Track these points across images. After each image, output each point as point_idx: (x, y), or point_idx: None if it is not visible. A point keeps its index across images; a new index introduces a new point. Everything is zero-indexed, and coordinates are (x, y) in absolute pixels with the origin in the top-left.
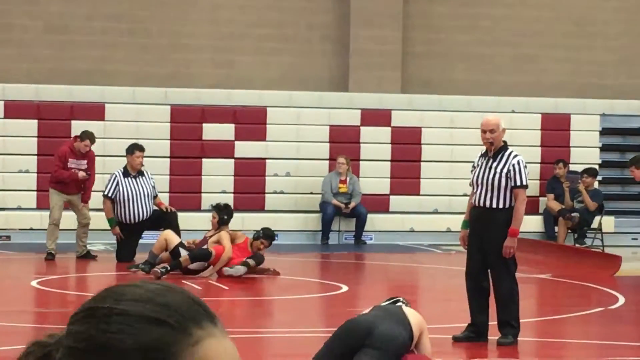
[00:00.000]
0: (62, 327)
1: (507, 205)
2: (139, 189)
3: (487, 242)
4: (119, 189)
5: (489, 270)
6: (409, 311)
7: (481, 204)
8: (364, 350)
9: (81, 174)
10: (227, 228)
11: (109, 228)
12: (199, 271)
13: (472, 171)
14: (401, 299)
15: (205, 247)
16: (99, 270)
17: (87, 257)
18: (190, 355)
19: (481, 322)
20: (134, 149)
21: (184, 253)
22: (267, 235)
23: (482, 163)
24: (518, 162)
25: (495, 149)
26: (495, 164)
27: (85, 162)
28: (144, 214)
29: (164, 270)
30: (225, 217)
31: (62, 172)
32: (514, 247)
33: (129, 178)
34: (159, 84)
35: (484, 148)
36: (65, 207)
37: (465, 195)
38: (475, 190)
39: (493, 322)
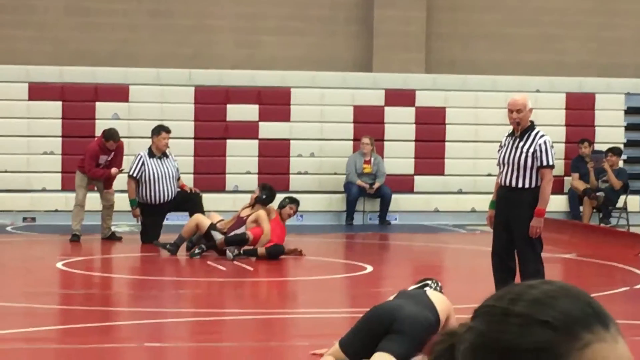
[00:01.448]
0: (87, 308)
1: (533, 185)
2: (164, 170)
3: (513, 221)
4: (144, 169)
5: (515, 250)
6: (434, 295)
7: (507, 183)
8: (389, 336)
9: (114, 170)
10: (263, 208)
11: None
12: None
13: (499, 151)
14: (430, 282)
15: (242, 229)
16: (123, 252)
17: (112, 238)
18: (577, 358)
19: None
20: (160, 130)
21: (217, 235)
22: (292, 199)
23: (508, 143)
24: (545, 142)
25: (522, 129)
26: (521, 144)
27: (112, 153)
28: (169, 195)
29: (199, 251)
30: (264, 197)
31: (96, 171)
32: (540, 227)
33: (154, 159)
34: (182, 65)
35: (510, 128)
36: (90, 188)
37: (489, 175)
38: (501, 169)
39: None
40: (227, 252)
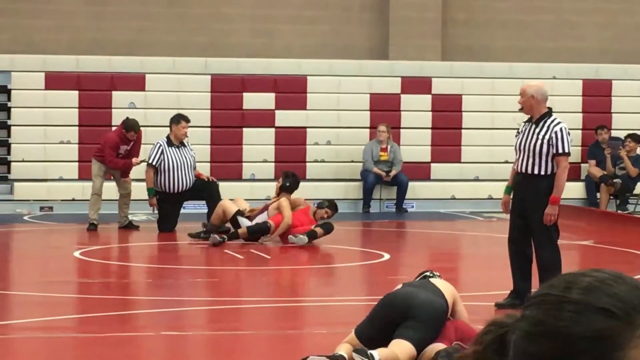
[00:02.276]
0: (104, 297)
1: (548, 172)
2: (182, 159)
3: (528, 208)
4: (163, 158)
5: (531, 237)
6: (438, 282)
7: (523, 170)
8: (405, 323)
9: (135, 160)
10: (288, 195)
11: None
12: (259, 237)
13: (516, 136)
14: (428, 273)
15: (264, 216)
16: (140, 241)
17: (129, 227)
18: (635, 346)
19: (524, 289)
20: (180, 118)
21: (243, 221)
22: (332, 204)
23: (525, 129)
24: (561, 130)
25: (531, 115)
26: (537, 130)
27: (132, 143)
28: (186, 184)
29: (221, 240)
30: (288, 184)
31: (117, 162)
32: (555, 214)
33: (173, 147)
34: (198, 54)
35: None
36: (107, 177)
37: (506, 162)
38: (517, 156)
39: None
40: (299, 238)
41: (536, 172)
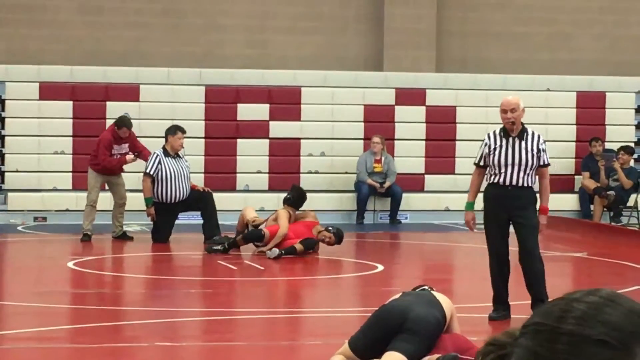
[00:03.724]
0: (98, 308)
1: (534, 183)
2: (178, 169)
3: (520, 219)
4: (160, 168)
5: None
6: (438, 294)
7: (512, 182)
8: (400, 336)
9: (129, 157)
10: (291, 209)
11: (145, 208)
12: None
13: (489, 152)
14: (426, 287)
15: (262, 227)
16: (135, 251)
17: (123, 237)
18: None
19: (506, 300)
20: (176, 130)
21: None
22: (338, 234)
23: (504, 143)
24: (544, 142)
25: (517, 129)
26: (524, 144)
27: (127, 145)
28: (182, 194)
29: (221, 249)
30: (289, 197)
31: (111, 160)
32: (546, 224)
33: (169, 158)
34: (193, 65)
35: (497, 128)
36: (101, 187)
37: None
38: (500, 170)
39: (519, 302)
40: (268, 252)
41: (527, 184)
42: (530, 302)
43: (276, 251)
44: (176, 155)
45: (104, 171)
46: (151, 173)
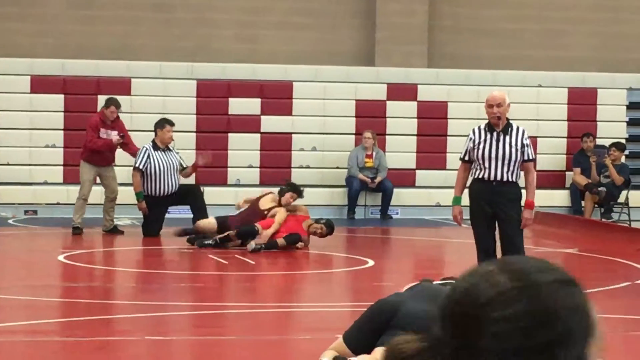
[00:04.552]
0: (88, 301)
1: (518, 178)
2: (168, 163)
3: (504, 214)
4: (149, 162)
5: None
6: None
7: (496, 177)
8: (389, 331)
9: (115, 138)
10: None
11: (136, 202)
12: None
13: (473, 147)
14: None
15: (256, 225)
16: (125, 245)
17: (114, 231)
18: None
19: None
20: (164, 123)
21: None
22: (329, 224)
23: (488, 138)
24: (528, 137)
25: (502, 124)
26: (508, 139)
27: (116, 132)
28: (172, 188)
29: (212, 242)
30: (281, 188)
31: (97, 141)
32: (532, 219)
33: (159, 151)
34: (184, 59)
35: (482, 123)
36: (94, 182)
37: None
38: (484, 164)
39: None
40: (249, 245)
41: (511, 179)
42: None
43: (252, 245)
44: (166, 149)
45: (94, 160)
46: (140, 167)
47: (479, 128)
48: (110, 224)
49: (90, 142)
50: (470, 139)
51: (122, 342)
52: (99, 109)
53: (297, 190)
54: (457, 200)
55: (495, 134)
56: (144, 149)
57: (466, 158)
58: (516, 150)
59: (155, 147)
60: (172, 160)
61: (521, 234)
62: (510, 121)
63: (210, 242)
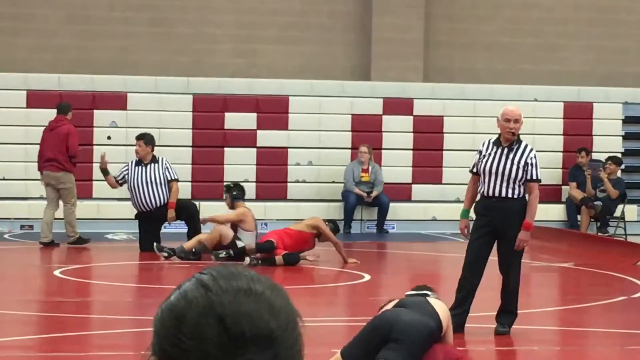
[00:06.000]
0: (84, 316)
1: (520, 195)
2: (147, 177)
3: (502, 232)
4: (127, 176)
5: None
6: (435, 302)
7: (495, 193)
8: (387, 345)
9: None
10: (243, 204)
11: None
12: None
13: (480, 159)
14: (430, 292)
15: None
16: (121, 260)
17: (79, 243)
18: None
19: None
20: (135, 138)
21: (245, 237)
22: (334, 223)
23: (494, 152)
24: (535, 156)
25: (513, 140)
26: (512, 155)
27: None
28: (156, 201)
29: (226, 255)
30: (235, 193)
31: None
32: (528, 241)
33: (140, 166)
34: (180, 74)
35: (493, 137)
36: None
37: None
38: (486, 179)
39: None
40: (246, 259)
41: (510, 195)
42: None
43: (248, 260)
44: (151, 162)
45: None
46: (115, 176)
47: (489, 141)
48: (74, 234)
49: (76, 151)
50: (479, 151)
51: (118, 357)
52: (94, 124)
53: (230, 191)
54: (465, 213)
55: (500, 148)
56: (127, 163)
57: (474, 170)
58: (517, 167)
59: (139, 162)
60: (154, 174)
61: (520, 252)
62: (521, 137)
63: (223, 254)
